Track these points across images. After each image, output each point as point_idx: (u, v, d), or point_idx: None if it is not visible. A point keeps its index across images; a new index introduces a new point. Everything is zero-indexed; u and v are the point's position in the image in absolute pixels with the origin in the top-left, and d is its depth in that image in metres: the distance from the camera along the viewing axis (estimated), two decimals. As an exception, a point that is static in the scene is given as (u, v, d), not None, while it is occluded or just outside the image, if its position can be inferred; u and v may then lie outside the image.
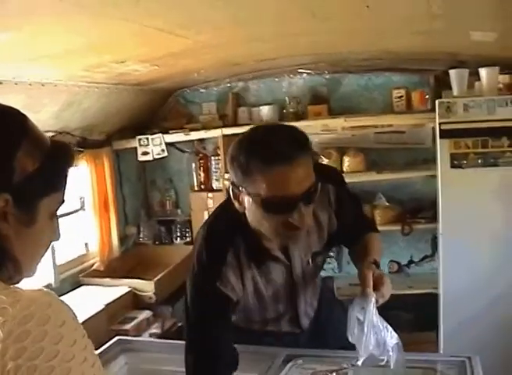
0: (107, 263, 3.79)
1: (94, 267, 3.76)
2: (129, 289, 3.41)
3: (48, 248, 1.06)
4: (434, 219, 3.61)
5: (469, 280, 3.08)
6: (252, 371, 1.80)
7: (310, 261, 1.83)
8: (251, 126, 1.71)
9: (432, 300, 3.44)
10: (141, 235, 4.35)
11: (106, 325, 3.07)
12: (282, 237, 1.67)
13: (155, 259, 4.10)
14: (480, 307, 3.08)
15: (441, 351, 3.17)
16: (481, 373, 1.69)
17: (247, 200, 1.58)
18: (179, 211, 4.39)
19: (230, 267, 1.69)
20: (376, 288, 1.61)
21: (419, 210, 3.84)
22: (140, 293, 3.46)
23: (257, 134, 1.61)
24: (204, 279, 1.69)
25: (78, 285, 3.55)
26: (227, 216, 1.70)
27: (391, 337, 1.60)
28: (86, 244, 3.82)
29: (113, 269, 3.81)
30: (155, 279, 3.51)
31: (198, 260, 1.71)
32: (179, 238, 4.33)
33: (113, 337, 2.35)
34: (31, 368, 0.84)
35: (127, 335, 2.94)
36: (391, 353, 1.60)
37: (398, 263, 4.06)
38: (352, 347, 1.67)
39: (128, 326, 3.08)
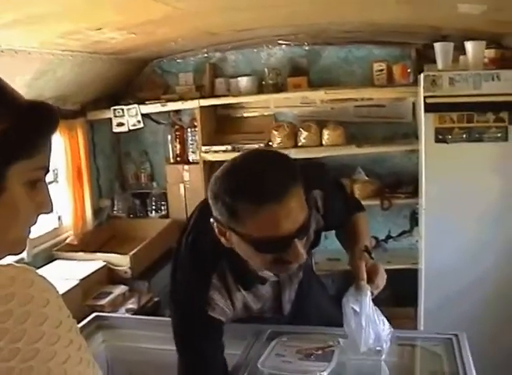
0: (81, 237, 3.70)
1: (68, 241, 3.67)
2: (104, 263, 3.33)
3: (33, 220, 0.96)
4: (413, 194, 3.62)
5: (453, 256, 3.06)
6: (235, 349, 1.75)
7: None
8: (232, 159, 1.49)
9: (410, 276, 3.44)
10: (115, 208, 4.25)
11: (81, 301, 3.00)
12: (274, 270, 1.61)
13: (130, 233, 4.02)
14: (464, 284, 3.07)
15: (421, 328, 3.17)
16: (469, 350, 1.67)
17: (235, 238, 1.46)
18: (154, 184, 4.30)
19: (217, 290, 1.61)
20: (370, 279, 1.57)
21: (398, 185, 3.82)
22: (115, 267, 3.38)
23: (242, 171, 1.43)
24: (192, 306, 1.61)
25: (51, 260, 3.46)
26: (209, 237, 1.53)
27: (385, 329, 1.59)
28: (59, 218, 3.72)
29: (87, 243, 3.72)
30: (131, 253, 3.43)
31: (183, 287, 1.64)
32: (154, 211, 4.24)
33: (89, 313, 2.30)
34: (13, 351, 0.77)
35: (103, 311, 2.88)
36: (385, 344, 1.60)
37: (376, 238, 4.04)
38: (335, 323, 1.68)
39: (103, 302, 3.01)
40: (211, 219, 1.47)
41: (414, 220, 3.99)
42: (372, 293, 1.56)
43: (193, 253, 1.64)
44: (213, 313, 1.60)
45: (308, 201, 1.54)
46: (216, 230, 1.48)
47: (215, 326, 1.62)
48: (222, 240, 1.49)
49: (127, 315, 2.91)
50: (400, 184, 3.82)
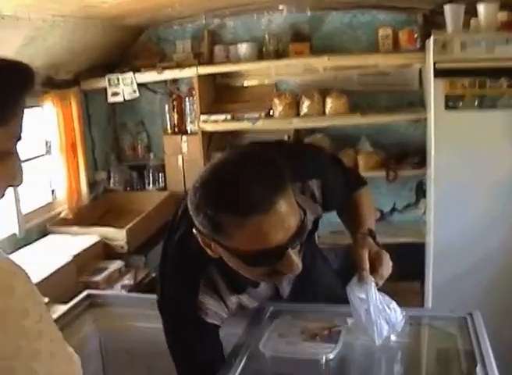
0: (76, 211, 3.59)
1: (62, 215, 3.55)
2: (100, 238, 3.22)
3: (1, 192, 0.86)
4: (420, 165, 3.50)
5: (462, 230, 2.94)
6: (236, 327, 1.63)
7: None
8: (211, 164, 1.31)
9: (416, 249, 3.35)
10: (112, 181, 4.13)
11: (75, 277, 2.89)
12: (268, 281, 1.50)
13: (127, 206, 3.90)
14: (474, 258, 2.95)
15: (429, 305, 3.06)
16: (484, 330, 1.55)
17: (221, 251, 1.31)
18: (151, 155, 4.17)
19: (207, 295, 1.49)
20: (374, 269, 1.44)
21: (404, 156, 3.68)
22: (110, 242, 3.26)
23: (223, 180, 1.24)
24: (182, 314, 1.50)
25: (45, 234, 3.35)
26: (194, 241, 1.37)
27: (398, 316, 1.47)
28: (53, 192, 3.61)
29: (82, 218, 3.60)
30: (127, 227, 3.31)
31: (170, 294, 1.52)
32: (151, 184, 4.12)
33: (83, 289, 2.22)
34: None
35: (97, 287, 2.78)
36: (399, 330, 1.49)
37: (381, 211, 3.93)
38: (341, 300, 1.54)
39: (98, 278, 2.89)
40: (194, 230, 1.32)
41: (420, 193, 3.87)
42: (377, 284, 1.44)
43: (179, 258, 1.52)
44: (206, 318, 1.49)
45: (304, 191, 1.44)
46: (200, 242, 1.34)
47: (210, 330, 1.52)
48: (208, 251, 1.35)
49: (121, 292, 2.79)
50: (406, 155, 3.68)
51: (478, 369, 1.34)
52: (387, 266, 1.46)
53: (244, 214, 1.19)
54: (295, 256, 1.29)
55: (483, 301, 2.72)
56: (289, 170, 1.28)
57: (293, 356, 1.50)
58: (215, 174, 1.27)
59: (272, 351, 1.51)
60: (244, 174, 1.23)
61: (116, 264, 3.10)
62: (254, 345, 1.54)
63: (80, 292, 2.14)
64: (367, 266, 1.43)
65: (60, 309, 1.99)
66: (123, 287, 2.93)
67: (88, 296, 2.07)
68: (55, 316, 1.91)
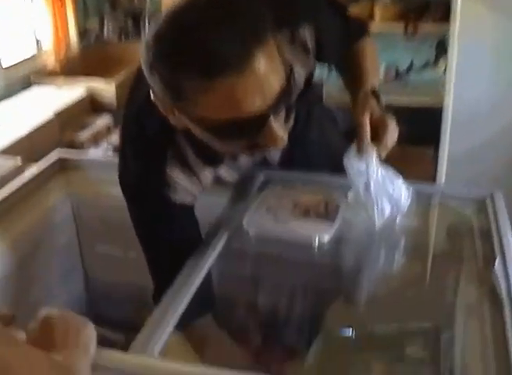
0: (64, 62, 3.30)
1: (49, 67, 3.27)
2: (86, 92, 2.95)
3: None
4: (443, 20, 3.15)
5: (486, 95, 2.64)
6: (217, 196, 1.42)
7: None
8: (168, 11, 0.97)
9: (432, 113, 3.08)
10: (105, 29, 3.84)
11: (58, 135, 2.66)
12: (247, 154, 1.24)
13: (121, 58, 3.58)
14: (497, 128, 2.67)
15: (443, 177, 2.83)
16: (506, 214, 1.32)
17: (186, 121, 1.04)
18: (148, 0, 3.81)
19: (176, 167, 1.25)
20: (376, 137, 1.19)
21: (426, 8, 3.36)
22: (99, 96, 3.01)
23: (181, 29, 0.94)
24: (148, 190, 1.27)
25: (29, 87, 3.09)
26: (157, 108, 1.09)
27: (403, 194, 1.25)
28: (38, 42, 3.31)
29: (71, 70, 3.33)
30: (117, 79, 3.03)
31: (133, 168, 1.28)
32: (149, 33, 3.80)
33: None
34: None
35: (82, 146, 2.57)
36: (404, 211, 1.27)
37: (396, 69, 3.66)
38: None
39: (84, 136, 2.67)
40: (152, 96, 1.04)
41: (440, 51, 3.55)
42: (379, 155, 1.19)
43: (140, 128, 1.25)
44: (175, 194, 1.27)
45: (293, 41, 1.18)
46: (160, 109, 1.06)
47: (180, 208, 1.30)
48: (171, 120, 1.07)
49: (95, 157, 2.55)
50: (428, 7, 3.36)
51: (497, 264, 1.13)
52: (392, 135, 1.21)
53: (210, 75, 0.91)
54: (278, 126, 1.02)
55: (504, 180, 2.49)
56: (272, 14, 0.97)
57: (281, 236, 1.29)
58: (171, 23, 0.96)
59: (257, 230, 1.30)
60: (210, 21, 0.93)
61: (104, 119, 2.86)
62: (237, 222, 1.33)
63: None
64: (367, 133, 1.18)
65: (31, 173, 1.78)
66: (110, 146, 2.70)
67: (59, 159, 1.85)
68: (23, 180, 1.71)
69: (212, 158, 1.28)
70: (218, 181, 1.38)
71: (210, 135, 1.04)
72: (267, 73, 0.95)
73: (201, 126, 1.02)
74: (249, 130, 1.00)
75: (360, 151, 1.18)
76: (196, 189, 1.31)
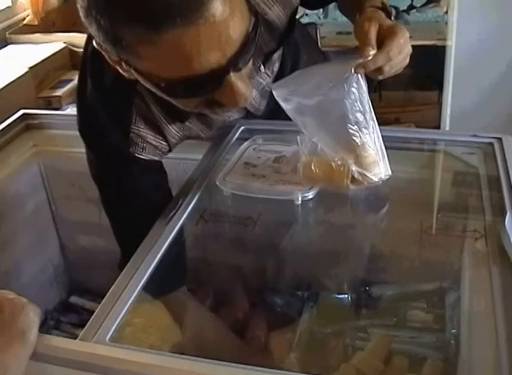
0: (42, 16, 3.09)
1: (26, 22, 3.07)
2: (65, 45, 2.78)
3: None
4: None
5: (492, 34, 2.47)
6: (196, 151, 1.29)
7: (262, 67, 1.16)
8: None
9: (435, 54, 2.92)
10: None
11: (34, 92, 2.50)
12: (208, 113, 1.05)
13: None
14: (503, 70, 2.52)
15: (447, 123, 2.68)
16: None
17: (135, 74, 0.86)
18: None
19: (141, 122, 1.12)
20: (383, 46, 0.94)
21: None
22: (79, 50, 2.82)
23: None
24: (108, 144, 1.16)
25: (4, 45, 2.90)
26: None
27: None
28: (12, -6, 3.11)
29: (50, 25, 3.12)
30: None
31: (90, 123, 1.20)
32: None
33: (43, 107, 2.05)
34: None
35: (60, 103, 2.42)
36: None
37: (396, 8, 3.44)
38: None
39: (60, 92, 2.50)
40: (94, 43, 0.86)
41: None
42: (382, 70, 0.96)
43: (97, 78, 1.11)
44: (139, 150, 1.15)
45: None
46: (107, 59, 0.89)
47: (146, 166, 1.19)
48: (121, 71, 0.90)
49: (64, 112, 2.39)
50: None
51: (508, 216, 0.98)
52: (402, 48, 0.96)
53: (155, 25, 0.73)
54: (241, 82, 0.85)
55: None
56: None
57: (259, 194, 1.13)
58: None
59: (231, 188, 1.15)
60: None
61: (83, 75, 2.69)
62: (211, 179, 1.19)
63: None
64: (373, 38, 0.95)
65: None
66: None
67: (24, 116, 1.70)
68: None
69: (177, 113, 1.11)
70: (190, 138, 1.23)
71: (161, 92, 0.87)
72: (224, 20, 0.76)
73: (151, 82, 0.85)
74: (205, 87, 0.84)
75: (364, 55, 0.95)
76: (163, 148, 1.18)
